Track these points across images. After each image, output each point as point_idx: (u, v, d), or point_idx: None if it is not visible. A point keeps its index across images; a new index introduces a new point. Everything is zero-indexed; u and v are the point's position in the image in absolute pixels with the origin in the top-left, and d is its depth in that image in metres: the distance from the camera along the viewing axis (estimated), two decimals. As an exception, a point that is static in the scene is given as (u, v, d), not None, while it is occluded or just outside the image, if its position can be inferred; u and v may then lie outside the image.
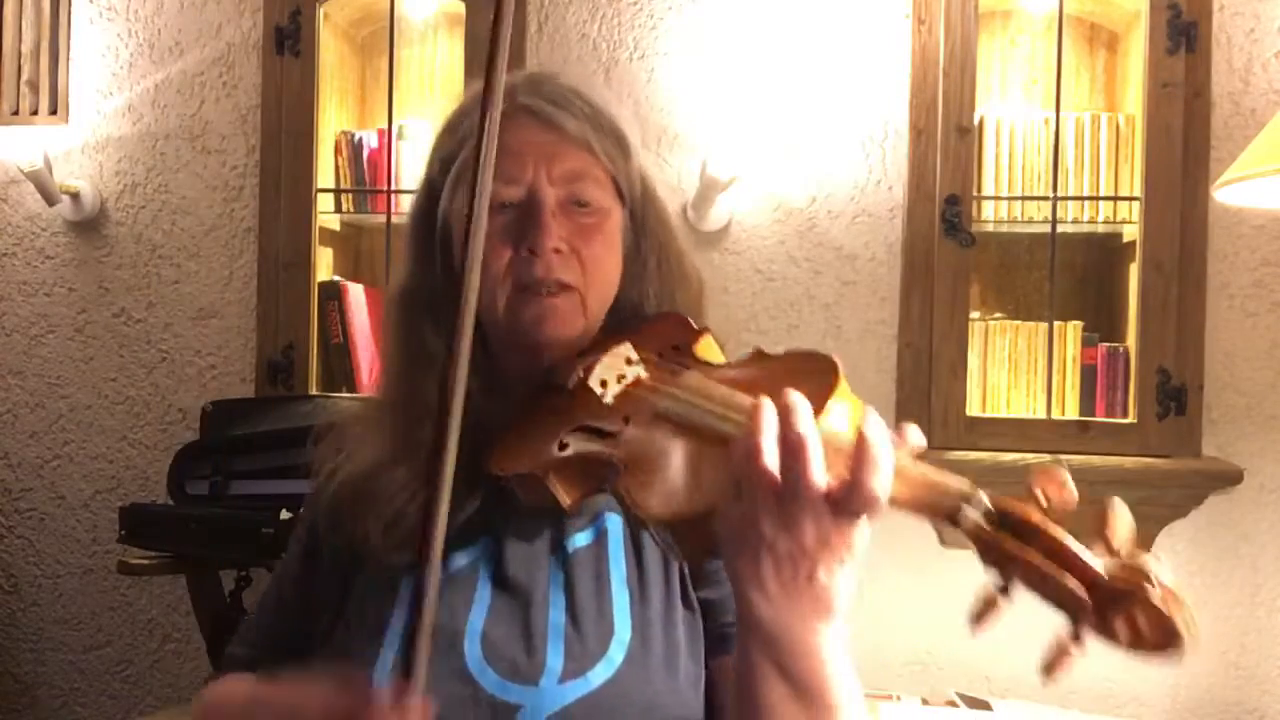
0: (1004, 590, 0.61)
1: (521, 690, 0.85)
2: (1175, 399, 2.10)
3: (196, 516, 2.06)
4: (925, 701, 2.07)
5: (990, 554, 0.63)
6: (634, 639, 0.89)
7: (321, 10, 2.38)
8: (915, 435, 0.68)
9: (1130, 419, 2.13)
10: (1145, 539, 2.16)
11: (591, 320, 0.95)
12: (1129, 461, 2.09)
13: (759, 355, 0.85)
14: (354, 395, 2.33)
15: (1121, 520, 0.61)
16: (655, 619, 0.90)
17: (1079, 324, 2.21)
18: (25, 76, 2.52)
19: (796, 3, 2.27)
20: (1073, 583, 0.59)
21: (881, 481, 0.63)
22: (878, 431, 0.64)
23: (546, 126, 0.92)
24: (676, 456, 0.76)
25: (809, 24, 2.27)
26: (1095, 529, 0.60)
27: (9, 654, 2.58)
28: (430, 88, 2.54)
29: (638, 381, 0.84)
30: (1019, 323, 2.24)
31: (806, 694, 0.70)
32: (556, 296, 0.92)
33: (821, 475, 0.64)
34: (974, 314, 2.24)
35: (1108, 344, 2.19)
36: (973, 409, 2.19)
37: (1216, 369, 2.16)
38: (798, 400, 0.65)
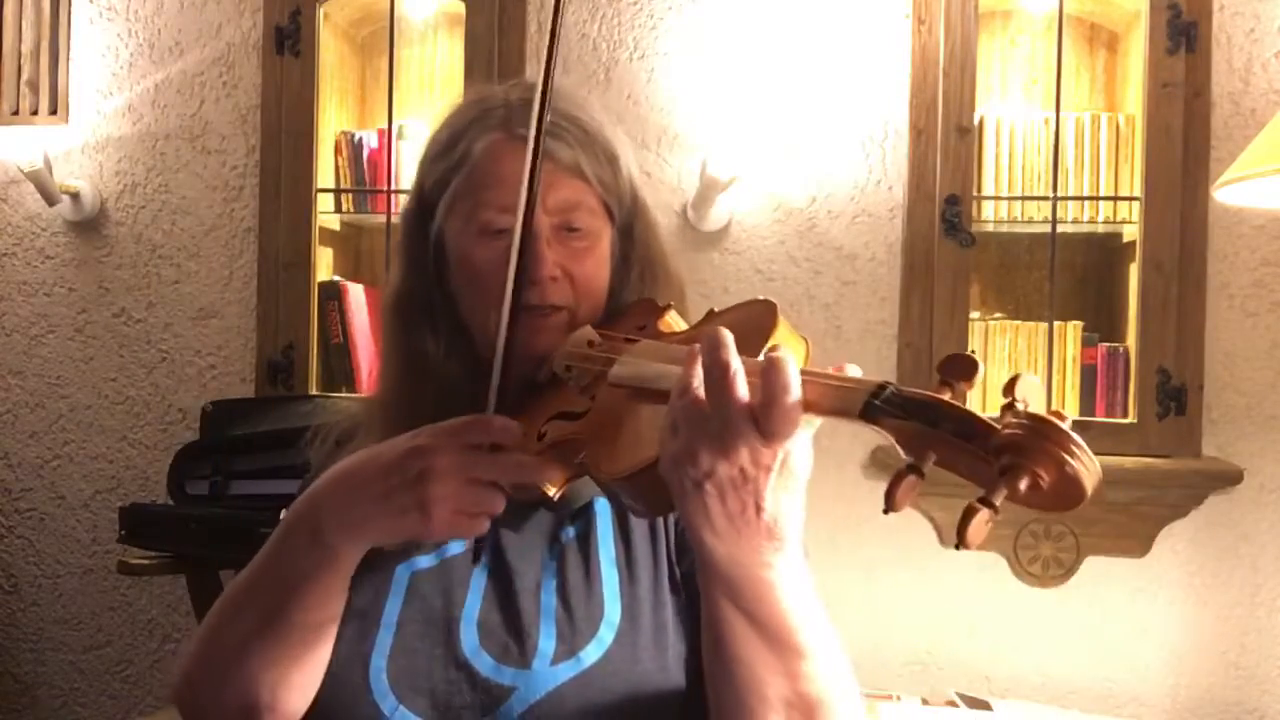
0: (917, 470, 0.61)
1: (515, 673, 0.88)
2: (1175, 399, 2.10)
3: (196, 516, 2.07)
4: (925, 701, 2.07)
5: (905, 440, 0.63)
6: (623, 619, 0.91)
7: (321, 10, 2.38)
8: (852, 369, 0.71)
9: (1130, 419, 2.13)
10: (1145, 539, 2.16)
11: None
12: (1129, 461, 2.09)
13: (710, 315, 0.88)
14: (354, 395, 2.34)
15: (1027, 387, 0.61)
16: (644, 598, 0.93)
17: (1079, 324, 2.21)
18: (25, 76, 2.52)
19: (796, 3, 2.27)
20: (979, 451, 0.60)
21: (790, 381, 0.65)
22: (783, 350, 0.67)
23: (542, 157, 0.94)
24: (632, 418, 0.79)
25: (809, 24, 2.27)
26: (1005, 403, 0.61)
27: (9, 654, 2.58)
28: (430, 88, 2.54)
29: (605, 360, 0.87)
30: (1019, 323, 2.24)
31: (770, 634, 0.73)
32: (548, 317, 0.95)
33: (744, 391, 0.67)
34: (974, 314, 2.24)
35: (1108, 344, 2.20)
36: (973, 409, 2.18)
37: (1216, 369, 2.15)
38: (722, 332, 0.68)
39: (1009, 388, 0.61)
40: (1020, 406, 0.60)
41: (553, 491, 0.84)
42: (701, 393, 0.68)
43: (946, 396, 0.63)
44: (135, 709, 2.54)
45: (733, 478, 0.68)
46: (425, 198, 1.00)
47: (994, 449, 0.59)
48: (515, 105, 0.97)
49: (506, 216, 0.93)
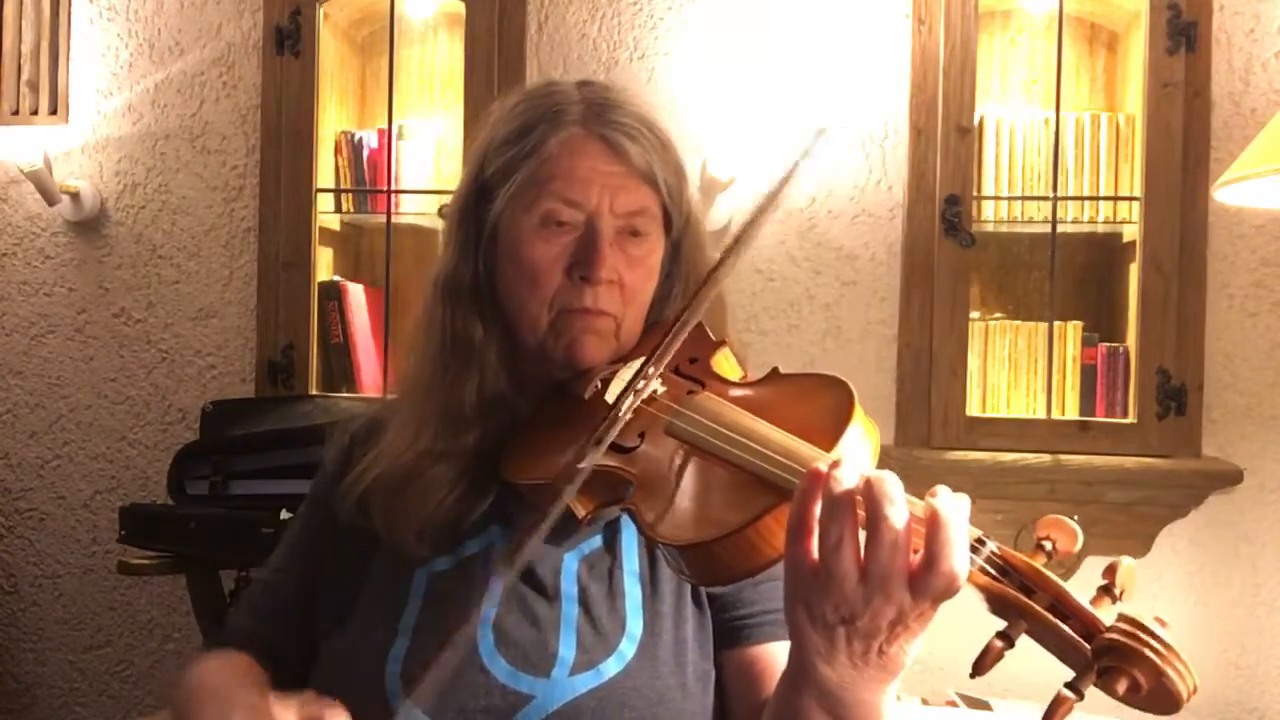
0: (1008, 640, 0.62)
1: (533, 680, 0.87)
2: (1175, 399, 2.10)
3: (196, 516, 2.06)
4: (925, 701, 2.07)
5: (995, 603, 0.63)
6: (645, 634, 0.90)
7: (321, 10, 2.38)
8: (942, 493, 0.67)
9: (1130, 419, 2.13)
10: (1145, 539, 2.16)
11: (624, 344, 0.97)
12: (1129, 461, 2.09)
13: (774, 375, 0.85)
14: (354, 395, 2.34)
15: (1126, 574, 0.62)
16: (666, 614, 0.92)
17: (1079, 324, 2.21)
18: (25, 76, 2.52)
19: (796, 3, 2.27)
20: (1075, 636, 0.61)
21: (957, 540, 0.62)
22: (951, 505, 0.62)
23: (617, 157, 0.94)
24: (689, 479, 0.76)
25: (809, 24, 2.27)
26: (1102, 585, 0.62)
27: (9, 654, 2.58)
28: (430, 88, 2.54)
29: (653, 397, 0.85)
30: (1019, 323, 2.24)
31: None
32: (596, 320, 0.94)
33: (907, 557, 0.62)
34: (974, 314, 2.24)
35: (1108, 344, 2.19)
36: (973, 409, 2.18)
37: (1216, 369, 2.15)
38: (890, 486, 0.63)
39: (1109, 571, 0.62)
40: (1117, 593, 0.61)
41: (581, 514, 0.83)
42: (856, 554, 0.63)
43: (1042, 562, 0.63)
44: (135, 709, 2.54)
45: (870, 630, 0.65)
46: (485, 182, 0.98)
47: (1092, 639, 0.60)
48: (594, 103, 0.96)
49: (574, 212, 0.93)
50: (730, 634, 0.94)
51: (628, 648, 0.89)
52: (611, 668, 0.87)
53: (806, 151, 0.83)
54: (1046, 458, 2.11)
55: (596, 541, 0.95)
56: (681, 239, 1.01)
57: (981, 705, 2.03)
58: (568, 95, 0.97)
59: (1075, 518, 0.65)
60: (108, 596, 2.54)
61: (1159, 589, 2.18)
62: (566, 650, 0.88)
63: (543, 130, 0.94)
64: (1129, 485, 2.11)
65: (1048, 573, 0.62)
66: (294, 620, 1.01)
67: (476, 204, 0.99)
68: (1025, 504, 2.16)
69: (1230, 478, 2.11)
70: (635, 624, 0.90)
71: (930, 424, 2.16)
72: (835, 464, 0.65)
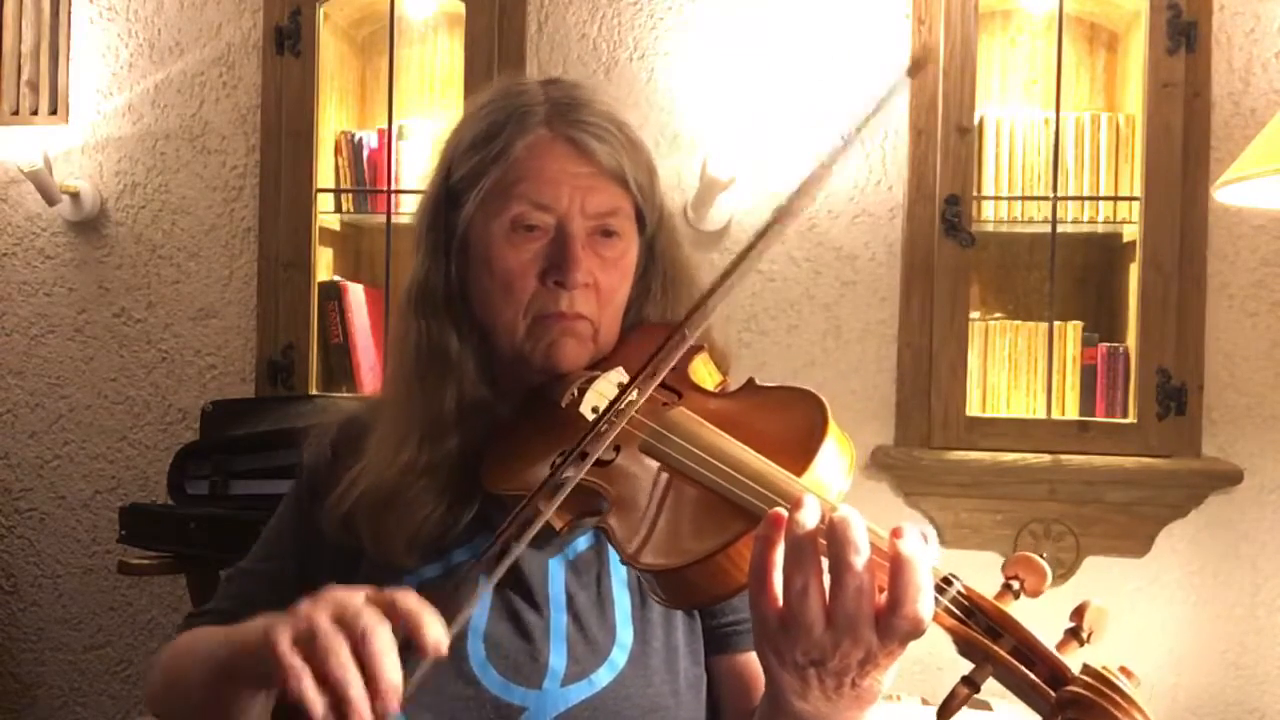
0: (973, 685, 0.62)
1: (525, 692, 0.86)
2: (1175, 399, 2.10)
3: (196, 516, 2.06)
4: (925, 701, 2.07)
5: (961, 643, 0.63)
6: (635, 642, 0.90)
7: (321, 10, 2.38)
8: (910, 529, 0.65)
9: (1130, 419, 2.13)
10: (1145, 539, 2.16)
11: (602, 346, 0.96)
12: (1129, 461, 2.09)
13: (750, 387, 0.84)
14: (354, 395, 2.34)
15: (1095, 615, 0.62)
16: (656, 621, 0.91)
17: (1079, 324, 2.21)
18: (25, 76, 2.52)
19: (796, 3, 2.27)
20: (1040, 683, 0.60)
21: (922, 581, 0.61)
22: (916, 547, 0.62)
23: (585, 158, 0.92)
24: (662, 498, 0.75)
25: (809, 24, 2.27)
26: (1070, 627, 0.62)
27: (9, 654, 2.58)
28: (430, 88, 2.54)
29: (635, 422, 0.83)
30: (1019, 323, 2.24)
31: None
32: (573, 324, 0.93)
33: (872, 600, 0.62)
34: (974, 314, 2.24)
35: (1108, 344, 2.20)
36: (973, 409, 2.19)
37: (1216, 369, 2.15)
38: (855, 531, 0.61)
39: (1078, 613, 0.62)
40: (1085, 636, 0.61)
41: (559, 526, 0.82)
42: (822, 600, 0.62)
43: (1010, 604, 0.63)
44: (135, 709, 2.54)
45: (840, 669, 0.64)
46: (453, 187, 0.96)
47: (1060, 701, 0.59)
48: (560, 104, 0.94)
49: (544, 215, 0.92)
50: (720, 640, 0.94)
51: (619, 656, 0.88)
52: (604, 677, 0.87)
53: (891, 90, 0.82)
54: (1046, 458, 2.11)
55: (583, 544, 0.94)
56: (655, 237, 1.00)
57: (982, 705, 2.03)
58: (533, 96, 0.95)
59: (1044, 555, 0.64)
60: (108, 596, 2.54)
61: (1159, 589, 2.18)
62: (558, 660, 0.87)
63: (509, 133, 0.92)
64: (1129, 485, 2.11)
65: (1014, 615, 0.62)
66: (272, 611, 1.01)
67: (445, 210, 0.97)
68: (1025, 504, 2.16)
69: (1230, 478, 2.11)
70: (625, 633, 0.90)
71: (930, 424, 2.17)
72: (797, 504, 0.63)
